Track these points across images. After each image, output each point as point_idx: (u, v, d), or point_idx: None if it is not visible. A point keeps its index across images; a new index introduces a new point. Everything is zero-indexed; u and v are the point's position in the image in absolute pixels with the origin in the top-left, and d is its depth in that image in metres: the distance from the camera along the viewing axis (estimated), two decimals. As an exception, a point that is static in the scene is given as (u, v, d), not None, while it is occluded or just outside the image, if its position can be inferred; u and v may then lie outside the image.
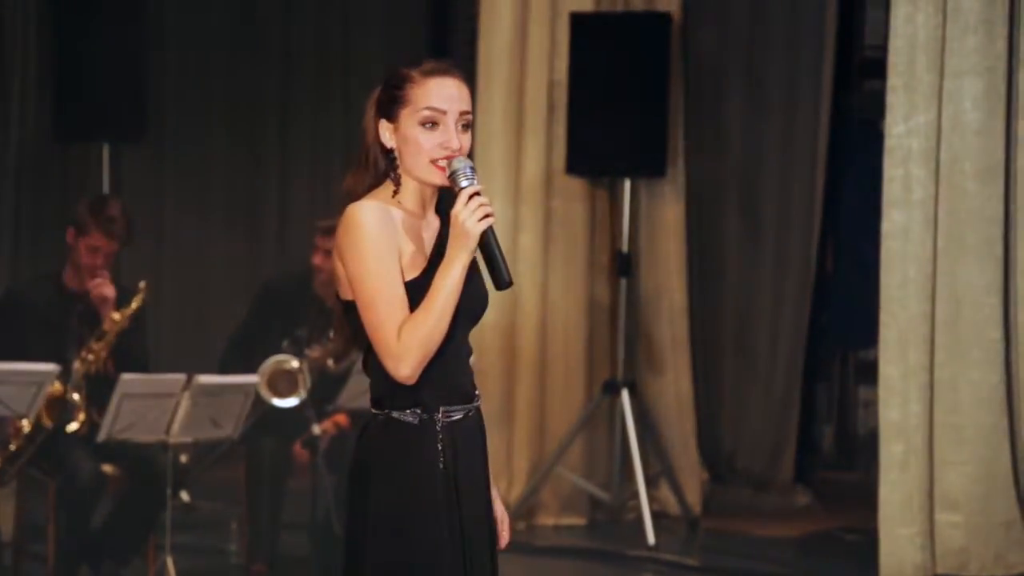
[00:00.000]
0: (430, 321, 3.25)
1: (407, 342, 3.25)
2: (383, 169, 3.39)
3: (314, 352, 6.24)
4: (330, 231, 6.03)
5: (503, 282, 3.28)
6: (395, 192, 3.36)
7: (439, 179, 3.34)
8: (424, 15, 8.91)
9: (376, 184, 3.38)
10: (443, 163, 3.33)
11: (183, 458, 6.20)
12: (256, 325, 6.53)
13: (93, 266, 6.12)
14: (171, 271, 9.02)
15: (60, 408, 5.85)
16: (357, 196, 3.35)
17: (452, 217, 3.26)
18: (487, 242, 3.27)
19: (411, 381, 3.28)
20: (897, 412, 6.12)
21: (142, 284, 6.08)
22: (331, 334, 6.08)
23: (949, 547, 6.09)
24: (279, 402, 6.20)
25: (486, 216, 3.25)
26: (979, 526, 6.08)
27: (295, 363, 6.22)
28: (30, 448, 5.87)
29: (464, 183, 3.28)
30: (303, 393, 6.20)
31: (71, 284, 6.17)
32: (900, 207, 6.13)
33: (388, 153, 3.39)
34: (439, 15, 8.89)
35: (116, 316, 6.01)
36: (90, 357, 5.96)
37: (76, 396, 5.90)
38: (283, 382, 6.22)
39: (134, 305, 6.03)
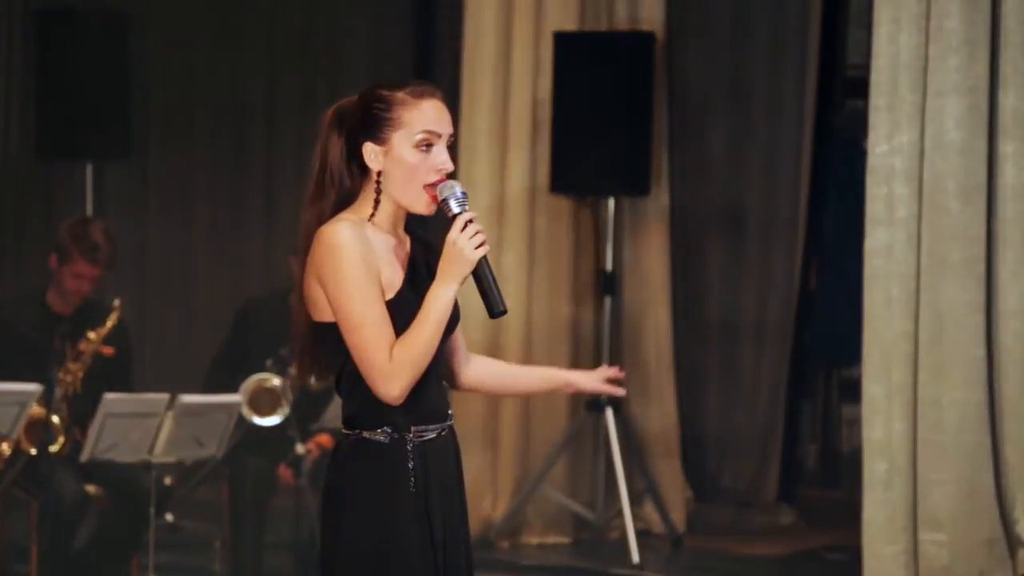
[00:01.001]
0: (422, 342, 3.27)
1: (399, 362, 3.26)
2: (347, 188, 3.38)
3: (296, 369, 6.23)
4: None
5: (497, 311, 3.31)
6: (372, 215, 3.36)
7: (425, 208, 3.35)
8: (408, 35, 8.92)
9: (341, 204, 3.37)
10: (435, 188, 3.33)
11: (167, 480, 6.19)
12: (237, 345, 6.52)
13: (78, 292, 6.11)
14: (154, 290, 9.01)
15: (41, 431, 5.83)
16: (325, 218, 3.35)
17: (448, 243, 3.28)
18: (481, 270, 3.29)
19: (399, 401, 3.29)
20: (881, 430, 6.13)
21: (116, 302, 6.06)
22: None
23: (933, 566, 6.09)
24: (261, 421, 6.19)
25: (482, 244, 3.26)
26: (963, 545, 6.08)
27: (277, 381, 6.21)
28: (10, 472, 5.85)
29: (457, 209, 3.31)
30: (285, 411, 6.19)
31: (54, 305, 6.17)
32: (883, 226, 6.14)
33: (361, 171, 3.38)
34: (423, 34, 8.90)
35: (92, 336, 6.00)
36: (67, 378, 5.95)
37: (56, 419, 5.88)
38: (265, 400, 6.21)
39: (109, 324, 6.02)
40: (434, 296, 3.29)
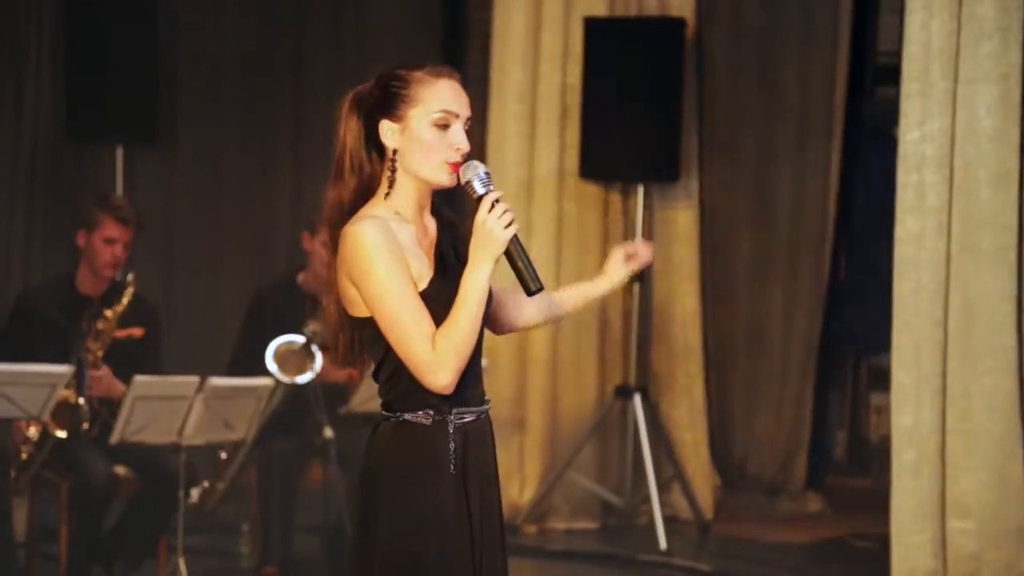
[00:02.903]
0: (463, 328, 3.27)
1: (443, 351, 3.26)
2: (367, 174, 3.38)
3: (314, 325, 6.22)
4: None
5: (533, 289, 3.30)
6: (387, 194, 3.35)
7: (448, 179, 3.34)
8: (437, 19, 8.91)
9: (362, 190, 3.37)
10: (458, 162, 3.33)
11: (205, 483, 6.23)
12: (254, 338, 6.49)
13: (113, 259, 6.10)
14: (183, 273, 9.03)
15: (69, 415, 5.85)
16: (344, 205, 3.35)
17: (477, 224, 3.26)
18: (513, 249, 3.28)
19: (450, 389, 3.29)
20: (910, 418, 6.11)
21: (130, 277, 6.06)
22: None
23: (961, 554, 6.07)
24: (294, 379, 6.19)
25: (511, 223, 3.26)
26: (992, 533, 6.07)
27: (301, 340, 6.21)
28: (40, 456, 5.88)
29: (482, 190, 3.29)
30: (316, 366, 6.18)
31: (83, 287, 6.18)
32: (914, 213, 6.12)
33: (380, 154, 3.38)
34: (452, 19, 8.89)
35: (108, 313, 6.01)
36: (89, 358, 5.96)
37: (83, 402, 5.89)
38: (294, 362, 6.22)
39: (124, 300, 6.02)
40: (469, 280, 3.27)
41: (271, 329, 6.33)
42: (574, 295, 3.79)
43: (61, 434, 5.83)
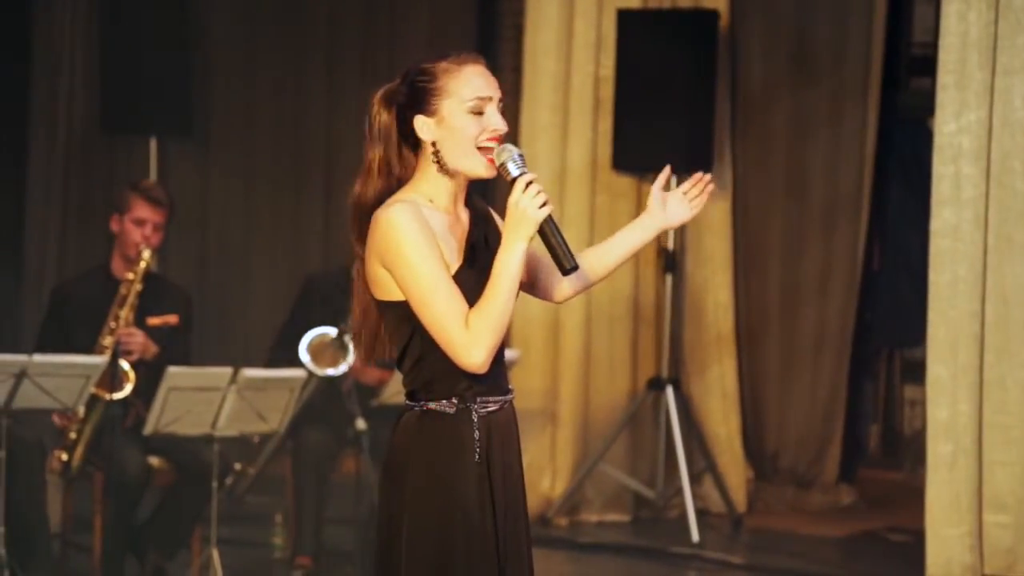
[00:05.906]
0: (497, 307, 3.27)
1: (477, 330, 3.26)
2: (396, 174, 3.39)
3: (350, 319, 6.23)
4: None
5: (567, 268, 3.30)
6: (447, 172, 3.36)
7: (484, 170, 3.35)
8: (470, 10, 8.90)
9: (387, 190, 3.38)
10: (491, 146, 3.33)
11: (237, 465, 6.24)
12: (301, 321, 6.53)
13: (143, 240, 6.09)
14: (216, 264, 9.05)
15: (109, 379, 5.86)
16: (367, 203, 3.36)
17: (510, 205, 3.28)
18: (547, 228, 3.28)
19: (483, 369, 3.29)
20: (945, 411, 6.09)
21: (146, 254, 6.06)
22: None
23: (997, 547, 6.05)
24: (328, 372, 6.20)
25: (544, 204, 3.26)
26: (1028, 527, 6.05)
27: (333, 332, 6.22)
28: (87, 429, 5.90)
29: (516, 172, 3.31)
30: (349, 359, 6.20)
31: (117, 272, 6.19)
32: (950, 205, 6.09)
33: (414, 150, 3.38)
34: (485, 10, 8.88)
35: (130, 275, 6.04)
36: (121, 323, 5.97)
37: (126, 365, 5.92)
38: (327, 354, 6.23)
39: (142, 265, 6.04)
40: (503, 259, 3.28)
41: (319, 316, 6.36)
42: (606, 257, 3.71)
43: (106, 395, 5.85)
